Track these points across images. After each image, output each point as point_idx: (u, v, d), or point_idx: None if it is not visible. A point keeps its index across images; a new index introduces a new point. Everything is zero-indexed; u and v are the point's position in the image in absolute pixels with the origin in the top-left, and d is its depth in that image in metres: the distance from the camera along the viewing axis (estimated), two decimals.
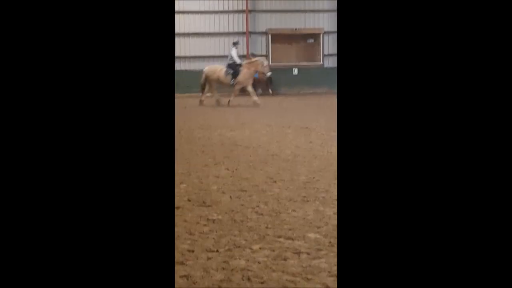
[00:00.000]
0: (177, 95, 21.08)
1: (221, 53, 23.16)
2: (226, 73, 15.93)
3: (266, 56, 23.99)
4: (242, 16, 23.80)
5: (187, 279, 2.83)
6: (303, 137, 8.58)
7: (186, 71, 22.70)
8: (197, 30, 23.38)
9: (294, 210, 4.19)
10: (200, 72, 20.17)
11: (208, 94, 16.38)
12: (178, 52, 23.07)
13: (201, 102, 15.76)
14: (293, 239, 3.45)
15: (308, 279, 2.79)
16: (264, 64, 16.07)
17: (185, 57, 23.00)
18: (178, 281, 2.80)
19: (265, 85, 21.48)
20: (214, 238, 3.51)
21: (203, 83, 16.23)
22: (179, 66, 22.75)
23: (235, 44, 17.29)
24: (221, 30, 23.72)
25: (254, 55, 17.48)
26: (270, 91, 21.60)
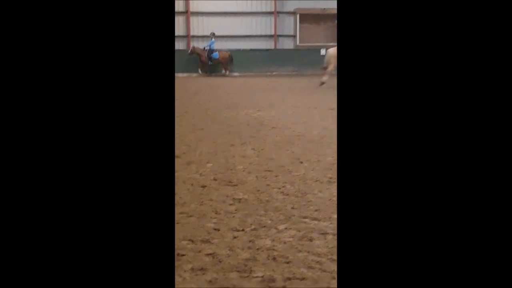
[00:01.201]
0: (205, 74, 21.67)
1: (250, 33, 23.08)
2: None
3: (294, 36, 23.85)
4: None
5: (213, 257, 2.84)
6: (330, 118, 8.52)
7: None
8: (226, 10, 23.29)
9: (320, 191, 4.17)
10: (231, 52, 21.13)
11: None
12: (205, 32, 23.08)
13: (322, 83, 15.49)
14: (319, 220, 3.44)
15: (333, 260, 2.78)
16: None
17: (215, 37, 22.99)
18: (204, 259, 2.82)
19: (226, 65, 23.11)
20: (239, 218, 3.52)
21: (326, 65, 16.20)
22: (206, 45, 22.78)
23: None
24: (249, 10, 23.59)
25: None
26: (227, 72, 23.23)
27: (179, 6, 23.20)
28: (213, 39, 22.51)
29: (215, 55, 22.46)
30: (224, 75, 22.38)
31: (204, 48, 22.61)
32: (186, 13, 23.20)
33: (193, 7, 23.30)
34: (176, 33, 22.50)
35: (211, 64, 22.63)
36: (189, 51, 22.37)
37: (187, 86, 16.26)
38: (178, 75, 21.19)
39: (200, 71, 22.68)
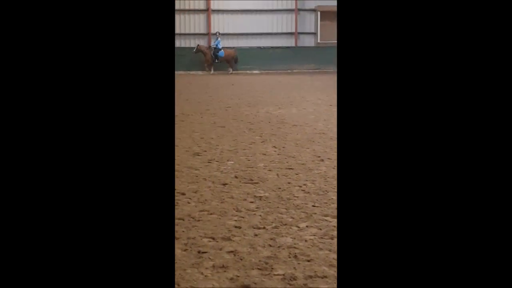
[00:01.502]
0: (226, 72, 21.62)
1: (270, 31, 23.07)
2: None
3: (315, 34, 23.79)
4: None
5: (234, 255, 2.85)
6: None
7: (234, 48, 22.74)
8: (247, 7, 23.29)
9: None
10: (251, 49, 21.08)
11: None
12: (226, 29, 23.12)
13: None
14: None
15: None
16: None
17: (235, 34, 23.02)
18: (225, 256, 2.82)
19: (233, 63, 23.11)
20: (260, 215, 3.52)
21: None
22: (228, 43, 22.81)
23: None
24: (270, 7, 23.57)
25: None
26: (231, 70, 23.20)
27: (200, 4, 23.27)
28: (218, 38, 22.64)
29: (221, 53, 22.52)
30: (228, 73, 22.48)
31: (210, 46, 22.71)
32: (207, 11, 23.26)
33: (214, 5, 23.34)
34: (197, 31, 22.58)
35: (217, 62, 22.73)
36: (194, 50, 22.49)
37: (207, 83, 16.30)
38: (192, 73, 21.40)
39: (206, 68, 22.82)
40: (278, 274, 2.61)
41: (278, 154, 5.58)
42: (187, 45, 22.94)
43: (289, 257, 2.81)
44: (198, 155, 5.55)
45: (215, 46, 22.61)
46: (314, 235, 3.12)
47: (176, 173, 4.75)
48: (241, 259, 2.79)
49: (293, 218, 3.45)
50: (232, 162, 5.21)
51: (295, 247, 2.94)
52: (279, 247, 2.95)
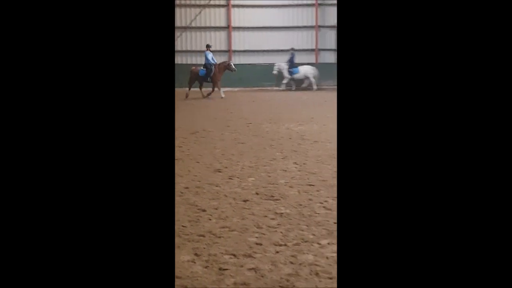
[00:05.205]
0: (246, 88, 21.20)
1: (291, 47, 23.11)
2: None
3: (335, 50, 23.81)
4: (312, 10, 23.65)
5: (255, 272, 2.84)
6: None
7: (257, 64, 22.84)
8: (268, 24, 23.42)
9: None
10: (271, 66, 20.66)
11: None
12: (247, 46, 23.25)
13: None
14: None
15: None
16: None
17: (256, 51, 23.11)
18: (246, 273, 2.82)
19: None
20: (281, 232, 3.50)
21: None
22: (251, 60, 22.87)
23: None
24: (291, 24, 23.67)
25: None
26: None
27: (221, 21, 23.47)
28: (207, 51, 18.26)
29: (201, 71, 18.06)
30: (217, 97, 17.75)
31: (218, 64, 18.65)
32: (228, 28, 23.44)
33: (235, 22, 23.52)
34: (218, 48, 22.71)
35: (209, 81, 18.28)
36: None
37: (227, 100, 16.37)
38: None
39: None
40: None
41: (299, 171, 5.57)
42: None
43: (311, 275, 2.79)
44: (219, 172, 5.56)
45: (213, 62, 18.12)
46: (336, 252, 3.10)
47: (197, 189, 4.77)
48: (262, 276, 2.78)
49: (314, 235, 3.44)
50: (253, 179, 5.21)
51: (316, 264, 2.92)
52: (300, 264, 2.93)
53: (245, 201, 4.35)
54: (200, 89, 18.12)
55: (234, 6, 23.57)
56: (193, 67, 18.78)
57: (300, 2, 23.59)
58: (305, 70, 21.54)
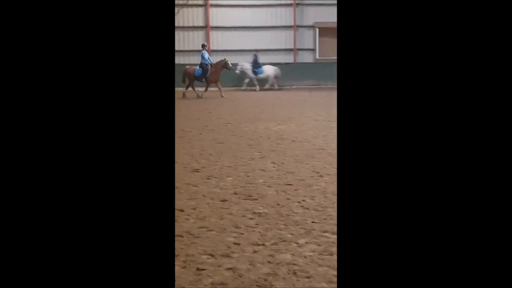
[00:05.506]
0: (228, 88, 21.09)
1: (269, 47, 23.17)
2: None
3: (313, 50, 23.93)
4: (290, 10, 23.72)
5: (233, 271, 2.84)
6: None
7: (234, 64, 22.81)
8: (246, 24, 23.43)
9: None
10: None
11: None
12: (226, 46, 23.22)
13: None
14: None
15: None
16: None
17: (234, 51, 23.08)
18: (224, 273, 2.81)
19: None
20: (260, 232, 3.51)
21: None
22: (230, 60, 22.77)
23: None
24: (269, 24, 23.71)
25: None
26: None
27: (199, 21, 23.41)
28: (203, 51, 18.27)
29: (197, 71, 18.10)
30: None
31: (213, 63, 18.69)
32: (206, 28, 23.39)
33: (213, 22, 23.47)
34: (197, 47, 22.63)
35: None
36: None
37: (205, 100, 16.34)
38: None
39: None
40: None
41: (277, 170, 5.58)
42: (186, 62, 22.93)
43: (289, 274, 2.79)
44: (197, 172, 5.54)
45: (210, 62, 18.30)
46: (313, 251, 3.11)
47: (175, 189, 4.75)
48: (240, 276, 2.78)
49: (292, 234, 3.44)
50: (231, 179, 5.21)
51: (294, 264, 2.93)
52: (278, 263, 2.94)
53: (223, 201, 4.34)
54: (193, 89, 18.02)
55: (212, 5, 23.54)
56: (187, 67, 18.60)
57: (278, 2, 23.64)
58: (268, 70, 21.65)
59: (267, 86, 21.63)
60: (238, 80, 21.74)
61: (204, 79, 17.93)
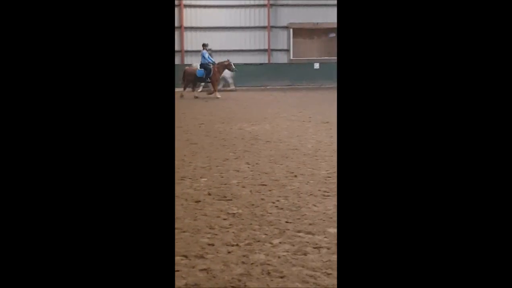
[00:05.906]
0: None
1: (244, 47, 23.17)
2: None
3: (288, 51, 24.01)
4: (264, 11, 23.77)
5: (207, 272, 2.83)
6: (324, 132, 8.54)
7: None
8: (220, 24, 23.40)
9: (315, 205, 4.16)
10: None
11: None
12: (199, 47, 23.17)
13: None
14: (313, 234, 3.43)
15: (328, 274, 2.77)
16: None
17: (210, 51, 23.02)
18: (198, 274, 2.80)
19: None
20: (234, 232, 3.50)
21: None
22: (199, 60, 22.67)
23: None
24: (243, 24, 23.72)
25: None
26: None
27: None
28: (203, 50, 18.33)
29: (199, 72, 17.85)
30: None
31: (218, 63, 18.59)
32: (180, 28, 23.29)
33: (187, 22, 23.39)
34: None
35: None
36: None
37: (178, 102, 16.28)
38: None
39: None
40: None
41: (252, 171, 5.58)
42: None
43: (262, 274, 2.80)
44: None
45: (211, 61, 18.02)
46: (287, 251, 3.12)
47: None
48: (214, 277, 2.77)
49: (266, 234, 3.45)
50: (205, 179, 5.19)
51: (268, 264, 2.93)
52: (252, 264, 2.94)
53: (197, 201, 4.33)
54: (193, 89, 17.72)
55: (186, 6, 23.45)
56: (187, 67, 18.20)
57: (252, 3, 23.68)
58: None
59: (220, 86, 21.08)
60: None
61: (208, 79, 17.43)
